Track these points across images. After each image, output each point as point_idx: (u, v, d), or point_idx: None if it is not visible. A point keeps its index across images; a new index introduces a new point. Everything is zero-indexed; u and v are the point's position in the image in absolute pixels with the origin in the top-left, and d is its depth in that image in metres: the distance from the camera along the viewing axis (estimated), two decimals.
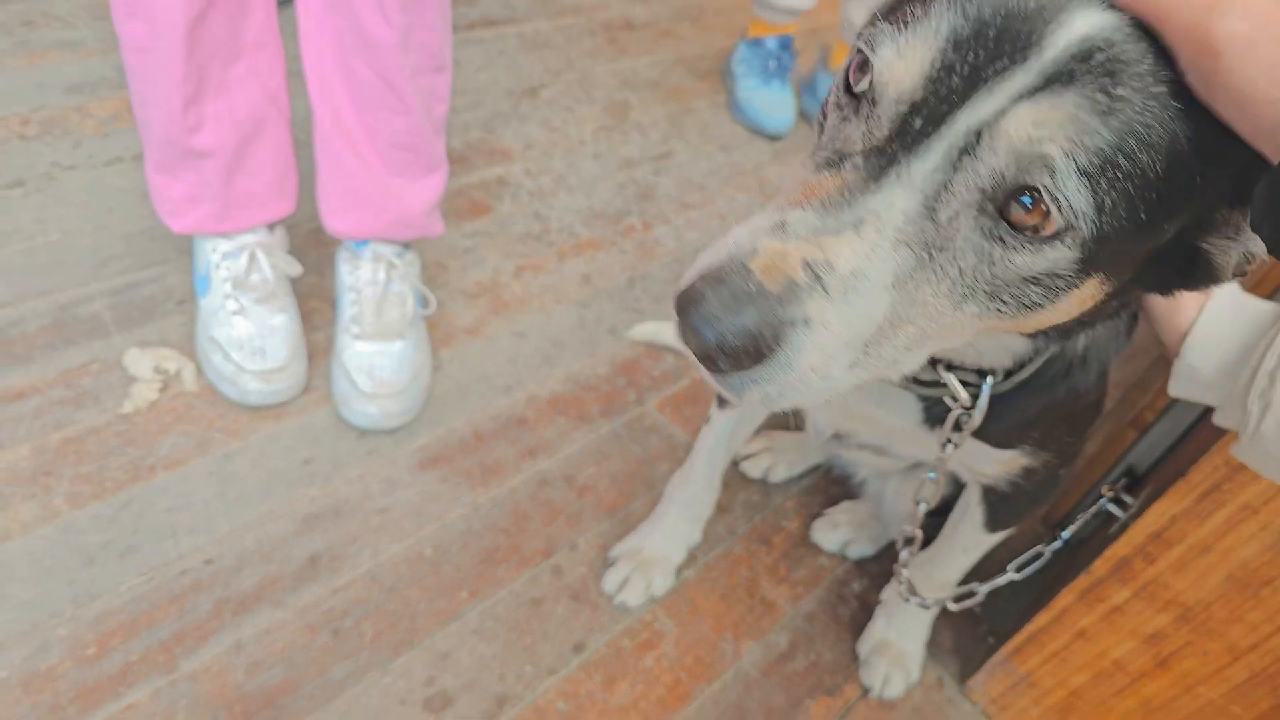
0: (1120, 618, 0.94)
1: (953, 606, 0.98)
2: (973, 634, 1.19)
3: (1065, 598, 0.97)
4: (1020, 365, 0.70)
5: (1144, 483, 1.01)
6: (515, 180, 1.77)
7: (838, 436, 1.00)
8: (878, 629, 1.12)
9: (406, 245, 1.33)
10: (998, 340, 0.63)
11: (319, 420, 1.23)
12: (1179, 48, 0.43)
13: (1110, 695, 0.99)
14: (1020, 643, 1.03)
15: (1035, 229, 0.46)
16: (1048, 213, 0.45)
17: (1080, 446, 0.88)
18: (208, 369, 1.22)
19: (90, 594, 0.99)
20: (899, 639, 1.11)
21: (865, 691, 1.10)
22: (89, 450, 1.12)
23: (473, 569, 1.11)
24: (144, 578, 1.02)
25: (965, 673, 1.13)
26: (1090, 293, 0.51)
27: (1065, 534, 0.99)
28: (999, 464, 0.82)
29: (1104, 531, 1.00)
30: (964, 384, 0.69)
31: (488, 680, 1.01)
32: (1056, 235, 0.46)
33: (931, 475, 0.81)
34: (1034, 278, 0.48)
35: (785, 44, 2.19)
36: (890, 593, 1.14)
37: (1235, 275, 0.53)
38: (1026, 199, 0.46)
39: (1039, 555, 0.98)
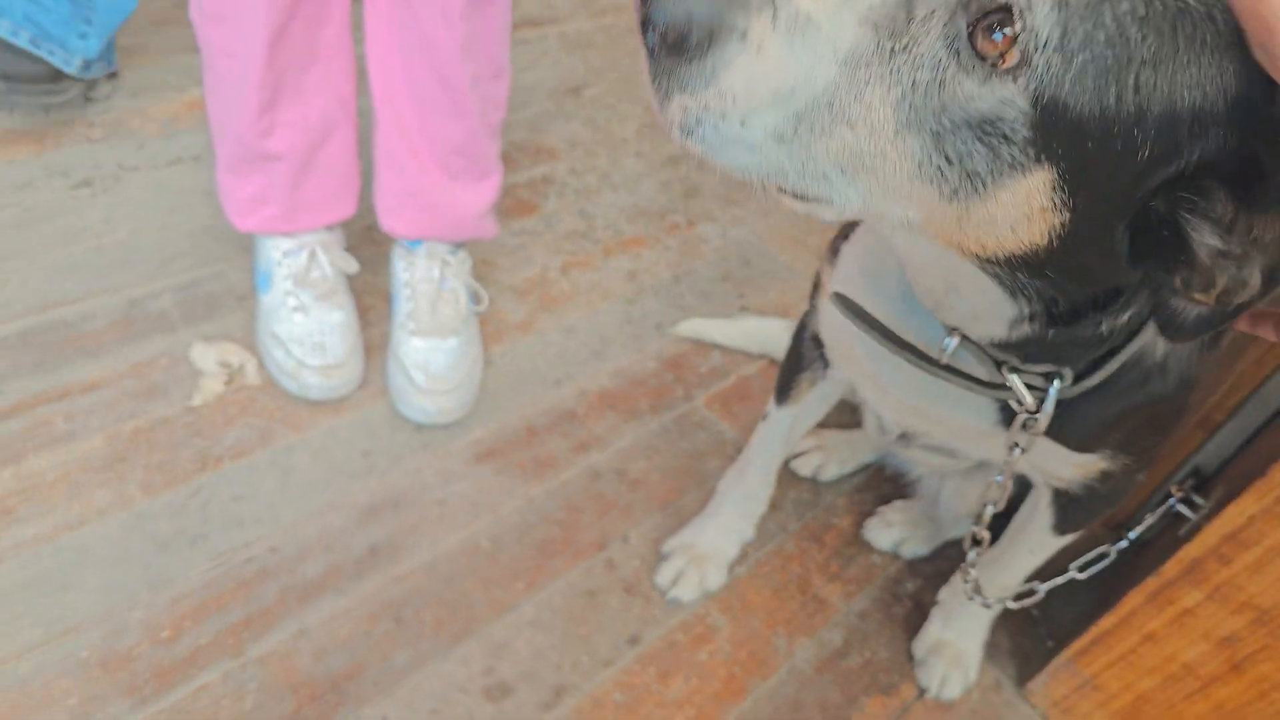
0: (1191, 620, 0.92)
1: (1013, 605, 0.96)
2: (1030, 636, 1.17)
3: (1133, 599, 0.95)
4: (1083, 369, 0.66)
5: (1213, 483, 0.99)
6: (561, 179, 1.79)
7: (905, 437, 0.99)
8: (935, 629, 1.11)
9: (459, 244, 1.35)
10: (979, 288, 0.58)
11: (376, 414, 1.25)
12: (1244, 23, 0.41)
13: (1180, 699, 0.97)
14: (1085, 645, 1.02)
15: (994, 63, 0.43)
16: (1012, 44, 0.42)
17: (1160, 449, 0.84)
18: (269, 364, 1.25)
19: (163, 579, 1.03)
20: (957, 639, 1.09)
21: (922, 692, 1.09)
22: (159, 440, 1.16)
23: (528, 560, 1.12)
24: (213, 564, 1.05)
25: (1023, 675, 1.12)
26: (1039, 198, 0.46)
27: (1132, 535, 0.98)
28: (1075, 467, 0.80)
29: (1171, 533, 0.98)
30: (1030, 387, 0.67)
31: (545, 671, 1.03)
32: (1011, 71, 0.43)
33: (999, 479, 0.79)
34: (980, 128, 0.45)
35: None
36: (947, 593, 1.13)
37: (1215, 299, 0.47)
38: (997, 34, 0.43)
39: (1104, 555, 0.97)
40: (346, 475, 1.17)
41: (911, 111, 0.45)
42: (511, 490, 1.20)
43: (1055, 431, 0.72)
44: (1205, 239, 0.45)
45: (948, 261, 0.56)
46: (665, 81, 0.46)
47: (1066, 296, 0.56)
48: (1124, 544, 0.99)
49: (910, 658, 1.12)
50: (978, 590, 0.93)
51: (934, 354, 0.68)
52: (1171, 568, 0.92)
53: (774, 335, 1.44)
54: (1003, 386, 0.67)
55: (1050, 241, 0.48)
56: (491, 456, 1.24)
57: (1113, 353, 0.65)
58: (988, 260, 0.51)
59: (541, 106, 1.98)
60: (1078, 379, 0.67)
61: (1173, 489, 0.99)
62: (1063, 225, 0.47)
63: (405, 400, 1.23)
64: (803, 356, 1.02)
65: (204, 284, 1.37)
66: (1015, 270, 0.52)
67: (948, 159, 0.46)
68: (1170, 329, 0.50)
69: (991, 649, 1.13)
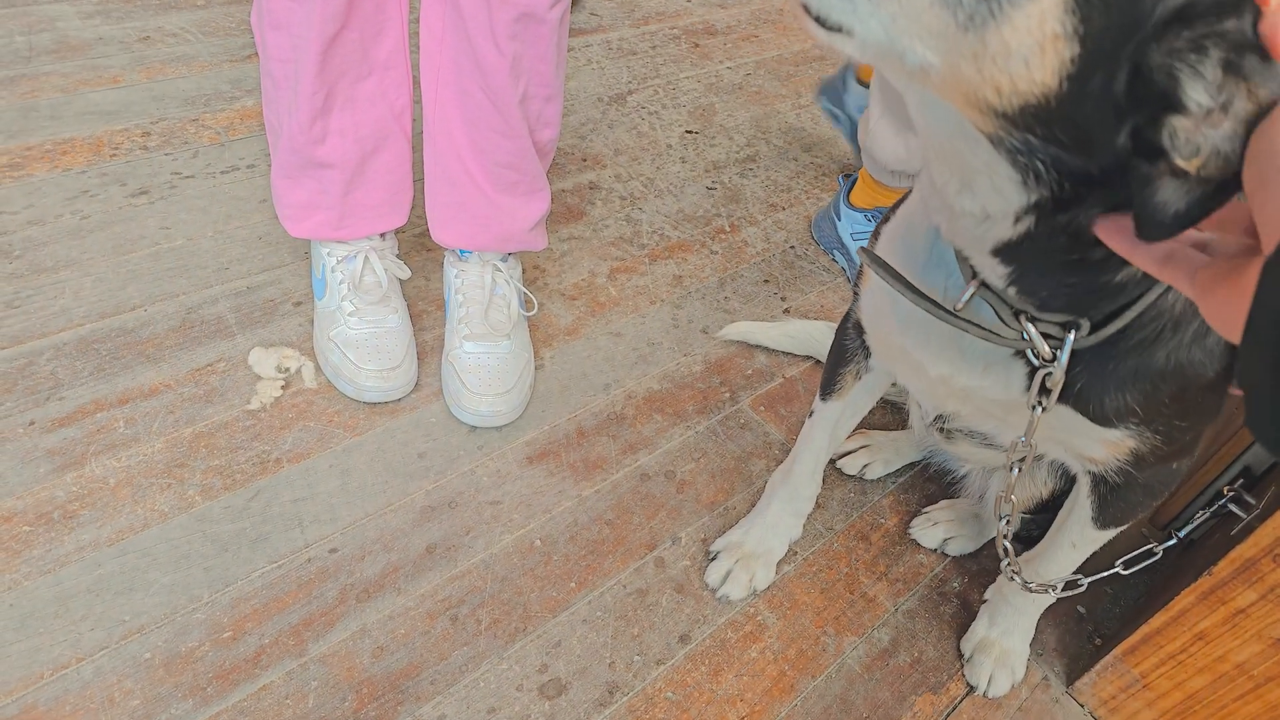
0: (1245, 620, 0.92)
1: (1056, 594, 0.97)
2: (1078, 634, 1.18)
3: (1184, 599, 0.95)
4: (1099, 320, 0.67)
5: (1265, 483, 0.99)
6: (606, 185, 1.81)
7: (940, 419, 1.00)
8: (981, 627, 1.12)
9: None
10: (990, 171, 0.58)
11: (430, 416, 1.28)
12: None
13: (1231, 700, 0.98)
14: (1134, 644, 1.02)
15: None
16: None
17: (1196, 436, 0.84)
18: (326, 367, 1.28)
19: (225, 580, 1.05)
20: (1003, 637, 1.10)
21: (970, 689, 1.10)
22: (219, 444, 1.19)
23: (580, 560, 1.15)
24: (274, 565, 1.08)
25: (1072, 673, 1.12)
26: (1051, 21, 0.46)
27: (1181, 533, 0.98)
28: (1103, 445, 0.79)
29: (1222, 532, 0.99)
30: (1047, 337, 0.68)
31: (598, 669, 1.05)
32: None
33: (1023, 439, 0.79)
34: None
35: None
36: (994, 591, 1.14)
37: (1195, 170, 0.47)
38: None
39: (1151, 553, 0.97)
40: (403, 476, 1.20)
41: None
42: (563, 491, 1.22)
43: (1075, 399, 0.72)
44: (1197, 95, 0.45)
45: (964, 142, 0.56)
46: None
47: (1070, 176, 0.55)
48: (1172, 542, 0.99)
49: (958, 656, 1.13)
50: (1014, 568, 0.94)
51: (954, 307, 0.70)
52: (1224, 567, 0.92)
53: (818, 337, 1.46)
54: (1019, 336, 0.68)
55: (1059, 84, 0.48)
56: (543, 458, 1.26)
57: (1129, 306, 0.66)
58: (1001, 117, 0.51)
59: (587, 114, 2.01)
60: (1094, 330, 0.67)
61: (1224, 489, 0.99)
62: (1072, 61, 0.47)
63: (459, 403, 1.25)
64: (846, 349, 1.03)
65: (261, 290, 1.40)
66: (1027, 131, 0.52)
67: None
68: (1149, 225, 0.49)
69: (1039, 647, 1.14)
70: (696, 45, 2.42)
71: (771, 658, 1.09)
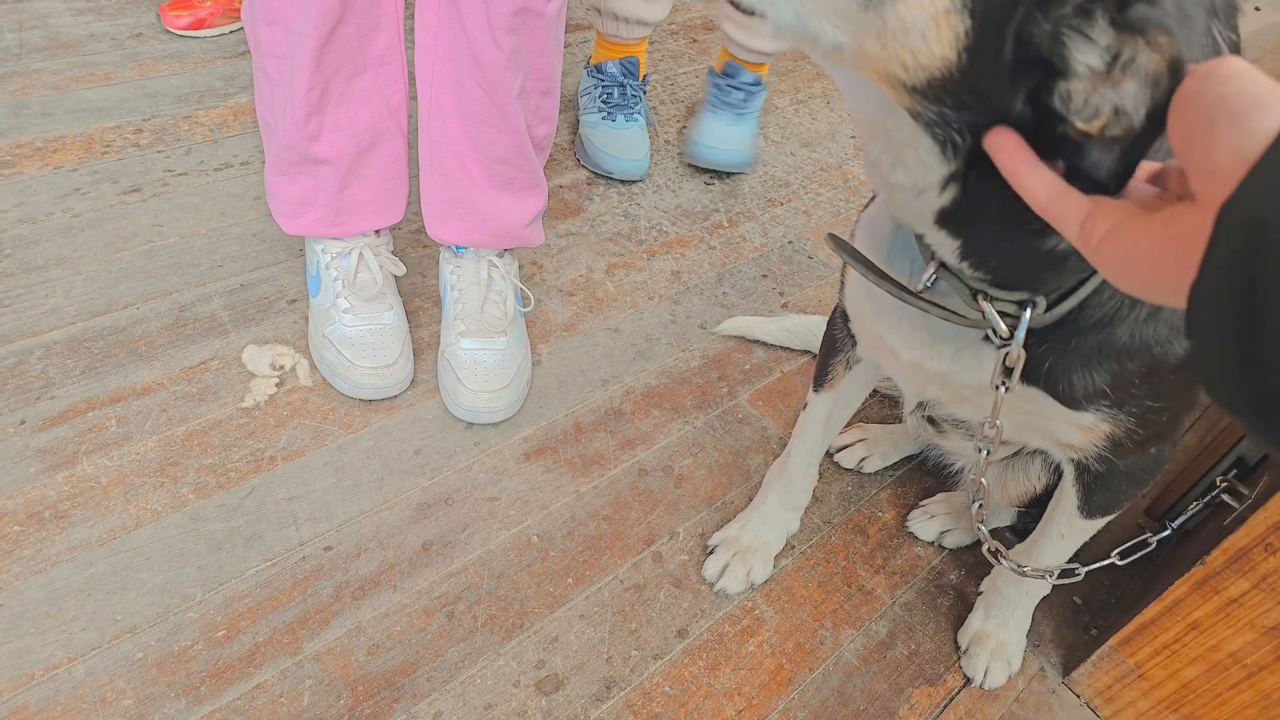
0: (1237, 610, 0.92)
1: (1051, 581, 0.97)
2: (1074, 625, 1.18)
3: (1178, 589, 0.96)
4: (1054, 299, 0.68)
5: (1258, 473, 0.99)
6: (604, 181, 1.81)
7: (921, 406, 1.01)
8: (977, 619, 1.12)
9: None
10: (914, 145, 0.59)
11: (427, 413, 1.28)
12: None
13: (1225, 689, 0.98)
14: (1129, 634, 1.03)
15: None
16: None
17: (1172, 420, 0.83)
18: (321, 365, 1.28)
19: (218, 579, 1.05)
20: (999, 629, 1.11)
21: (967, 681, 1.10)
22: (212, 442, 1.18)
23: (577, 556, 1.14)
24: (268, 563, 1.07)
25: (1068, 664, 1.13)
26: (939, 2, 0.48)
27: (1175, 523, 0.98)
28: (1078, 430, 0.80)
29: (1216, 523, 0.99)
30: (1004, 315, 0.69)
31: (596, 664, 1.04)
32: None
33: (987, 419, 0.79)
34: None
35: (632, 68, 1.87)
36: (989, 584, 1.14)
37: (1099, 131, 0.47)
38: None
39: (1145, 544, 0.98)
40: (399, 473, 1.19)
41: None
42: (560, 487, 1.22)
43: (1045, 380, 0.73)
44: (1084, 58, 0.46)
45: (888, 118, 0.58)
46: None
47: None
48: (1166, 533, 1.00)
49: (955, 648, 1.13)
50: (991, 547, 0.94)
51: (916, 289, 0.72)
52: (1217, 557, 0.93)
53: (815, 331, 1.46)
54: (981, 317, 0.69)
55: (958, 56, 0.49)
56: (540, 454, 1.26)
57: (1084, 283, 0.67)
58: (913, 91, 0.53)
59: None
60: (1050, 307, 0.68)
61: (1217, 479, 1.00)
62: (966, 34, 0.48)
63: (455, 399, 1.25)
64: (835, 339, 1.04)
65: (254, 287, 1.40)
66: (939, 103, 0.53)
67: None
68: (1091, 188, 0.50)
69: (1035, 638, 1.15)
70: (694, 40, 2.42)
71: (769, 651, 1.09)
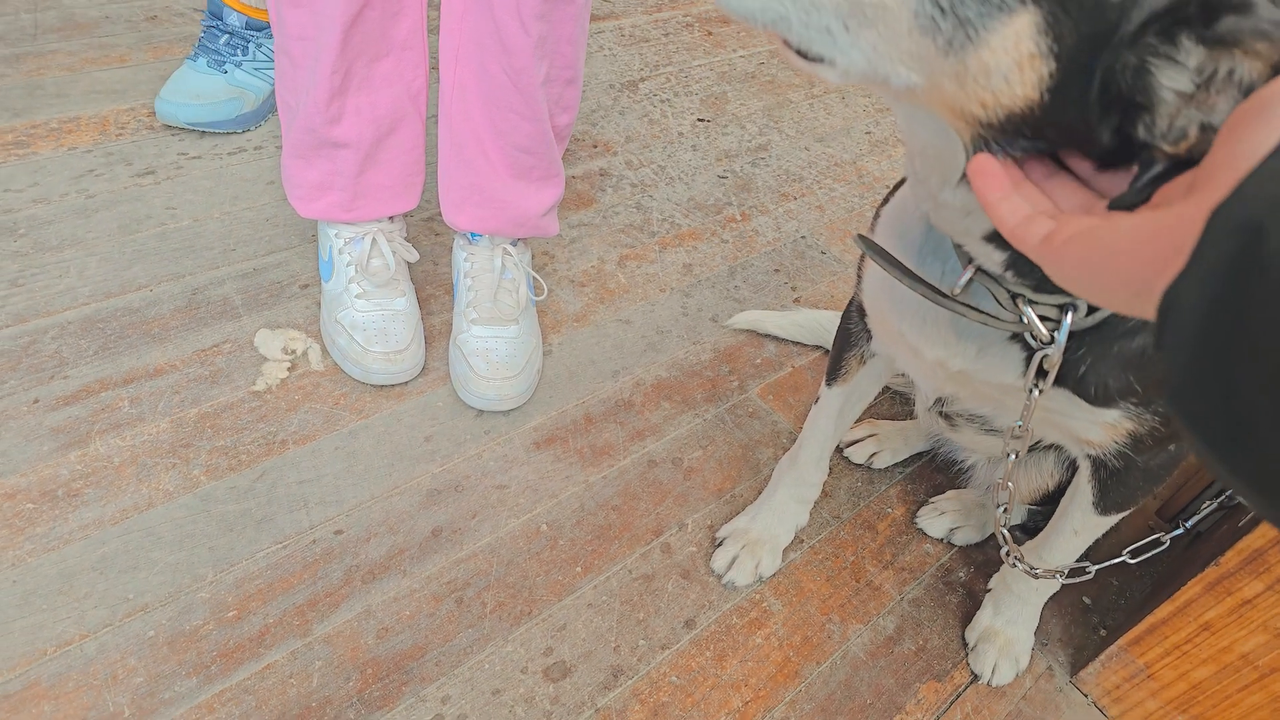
0: (1251, 611, 0.92)
1: (1062, 580, 0.97)
2: (1083, 625, 1.18)
3: (1191, 589, 0.96)
4: None
5: None
6: (617, 172, 1.81)
7: (939, 402, 1.00)
8: (986, 616, 1.12)
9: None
10: (963, 162, 0.58)
11: (438, 400, 1.28)
12: None
13: (1236, 690, 0.98)
14: (1139, 634, 1.02)
15: None
16: None
17: None
18: (333, 350, 1.28)
19: (229, 560, 1.05)
20: (1007, 626, 1.10)
21: (974, 678, 1.10)
22: (224, 425, 1.19)
23: (586, 545, 1.14)
24: (279, 545, 1.07)
25: (1076, 663, 1.13)
26: (1026, 42, 0.47)
27: (1189, 522, 0.98)
28: (1101, 427, 0.79)
29: (1230, 523, 0.99)
30: (1044, 319, 0.68)
31: (603, 652, 1.04)
32: None
33: (1019, 423, 0.79)
34: None
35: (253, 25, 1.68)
36: (998, 580, 1.14)
37: (1186, 152, 0.46)
38: None
39: (1158, 543, 0.97)
40: (409, 460, 1.19)
41: None
42: (570, 476, 1.22)
43: (1072, 381, 0.73)
44: (1171, 84, 0.45)
45: (947, 145, 0.57)
46: None
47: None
48: (1179, 531, 0.99)
49: (963, 644, 1.13)
50: (1015, 554, 0.94)
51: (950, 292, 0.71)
52: (1231, 558, 0.92)
53: (827, 326, 1.46)
54: (1018, 320, 0.69)
55: (1041, 96, 0.49)
56: (550, 443, 1.26)
57: None
58: (986, 126, 0.52)
59: (598, 100, 2.00)
60: (1091, 310, 0.68)
61: None
62: (1050, 75, 0.48)
63: (466, 387, 1.25)
64: (850, 334, 1.03)
65: (267, 272, 1.40)
66: (1015, 135, 0.52)
67: (940, 8, 0.47)
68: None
69: (1044, 637, 1.15)
70: (710, 33, 2.42)
71: (776, 644, 1.09)
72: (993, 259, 0.65)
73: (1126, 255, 0.42)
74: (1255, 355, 0.31)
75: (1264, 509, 0.35)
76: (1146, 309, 0.39)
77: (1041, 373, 0.72)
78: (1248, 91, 0.43)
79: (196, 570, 1.03)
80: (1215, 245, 0.34)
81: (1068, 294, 0.66)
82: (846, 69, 0.51)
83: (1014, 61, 0.48)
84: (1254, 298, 0.32)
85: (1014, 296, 0.68)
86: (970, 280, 0.70)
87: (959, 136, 0.54)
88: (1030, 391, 0.73)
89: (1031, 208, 0.50)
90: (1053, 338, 0.68)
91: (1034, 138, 0.52)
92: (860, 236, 0.77)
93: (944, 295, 0.70)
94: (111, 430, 1.15)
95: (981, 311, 0.70)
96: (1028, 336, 0.71)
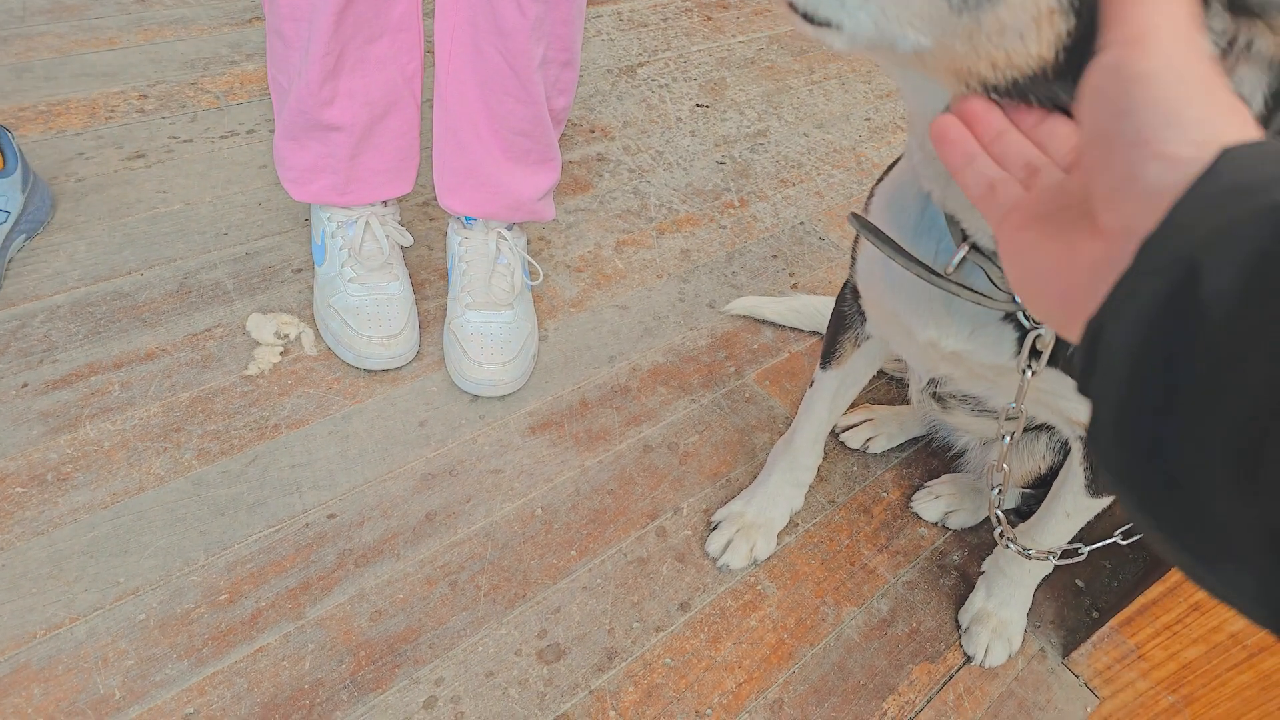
0: None
1: (1056, 561, 0.98)
2: (1076, 607, 1.18)
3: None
4: None
5: None
6: (615, 157, 1.80)
7: (932, 383, 1.00)
8: (979, 599, 1.13)
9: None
10: None
11: (432, 385, 1.27)
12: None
13: (1225, 669, 0.98)
14: (1130, 614, 1.03)
15: None
16: None
17: None
18: (326, 334, 1.27)
19: (221, 544, 1.05)
20: (1000, 608, 1.11)
21: (967, 659, 1.10)
22: (216, 409, 1.18)
23: (581, 529, 1.14)
24: (271, 529, 1.07)
25: (1068, 645, 1.13)
26: (1042, 3, 0.45)
27: None
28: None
29: None
30: None
31: (598, 634, 1.04)
32: None
33: (1013, 405, 0.79)
34: None
35: None
36: (991, 563, 1.14)
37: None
38: None
39: None
40: (403, 444, 1.19)
41: None
42: (565, 461, 1.22)
43: (1062, 360, 0.73)
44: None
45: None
46: None
47: None
48: None
49: (956, 627, 1.14)
50: (1008, 536, 0.94)
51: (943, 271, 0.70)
52: None
53: (824, 312, 1.45)
54: (1010, 300, 0.68)
55: (1056, 55, 0.47)
56: (546, 428, 1.26)
57: None
58: (994, 89, 0.50)
59: (596, 85, 2.00)
60: None
61: None
62: (1069, 33, 0.46)
63: (460, 372, 1.24)
64: (844, 316, 1.03)
65: (259, 256, 1.39)
66: (1022, 98, 0.50)
67: None
68: None
69: (1037, 619, 1.15)
70: (709, 18, 2.41)
71: (770, 626, 1.09)
72: (991, 235, 0.65)
73: (1051, 273, 0.39)
74: (1186, 409, 0.29)
75: (1186, 569, 0.32)
76: (1073, 336, 0.37)
77: (1034, 353, 0.72)
78: (1273, 68, 0.42)
79: (188, 554, 1.03)
80: (1145, 282, 0.31)
81: None
82: (854, 33, 0.50)
83: (1032, 17, 0.45)
84: (1188, 347, 0.29)
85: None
86: (963, 259, 0.70)
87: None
88: (1023, 373, 0.73)
89: (998, 173, 0.48)
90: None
91: (1042, 103, 0.50)
92: (854, 215, 0.76)
93: (937, 274, 0.70)
94: (101, 414, 1.14)
95: (974, 291, 0.70)
96: (1020, 316, 0.71)
